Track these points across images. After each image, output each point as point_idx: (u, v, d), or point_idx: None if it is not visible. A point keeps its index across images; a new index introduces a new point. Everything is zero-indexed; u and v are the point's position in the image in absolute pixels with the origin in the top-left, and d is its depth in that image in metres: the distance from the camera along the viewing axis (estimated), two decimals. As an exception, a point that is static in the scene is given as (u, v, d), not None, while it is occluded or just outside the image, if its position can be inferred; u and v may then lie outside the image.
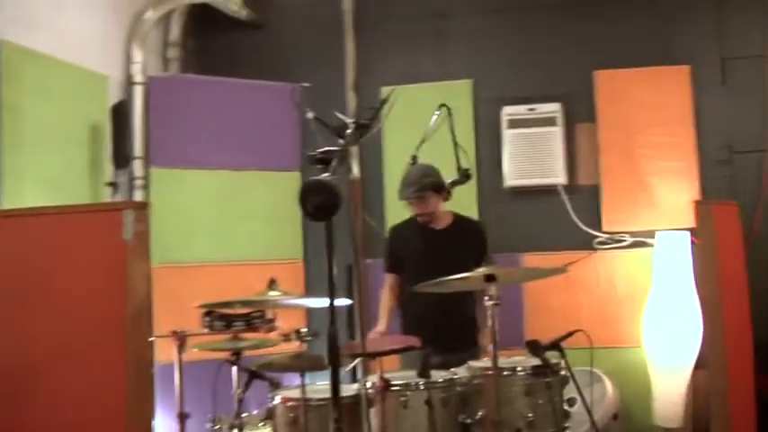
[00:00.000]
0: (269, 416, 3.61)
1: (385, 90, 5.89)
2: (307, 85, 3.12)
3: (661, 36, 5.74)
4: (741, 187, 5.56)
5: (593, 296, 5.62)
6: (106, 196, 5.22)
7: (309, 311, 5.71)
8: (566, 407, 3.69)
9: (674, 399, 5.25)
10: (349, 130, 2.72)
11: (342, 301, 3.29)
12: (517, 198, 5.82)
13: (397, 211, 4.88)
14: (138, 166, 5.60)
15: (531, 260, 5.65)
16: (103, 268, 3.40)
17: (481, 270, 3.43)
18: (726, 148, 5.63)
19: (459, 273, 3.55)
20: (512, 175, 5.74)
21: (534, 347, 3.51)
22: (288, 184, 5.78)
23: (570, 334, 3.53)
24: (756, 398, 4.87)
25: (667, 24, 5.75)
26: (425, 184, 4.27)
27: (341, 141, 2.63)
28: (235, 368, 3.82)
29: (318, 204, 2.27)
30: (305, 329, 3.72)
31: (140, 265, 3.31)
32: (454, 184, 4.32)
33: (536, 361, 3.59)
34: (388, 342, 3.73)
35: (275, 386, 3.64)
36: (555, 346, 3.55)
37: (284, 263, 5.80)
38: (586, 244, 5.64)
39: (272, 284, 3.74)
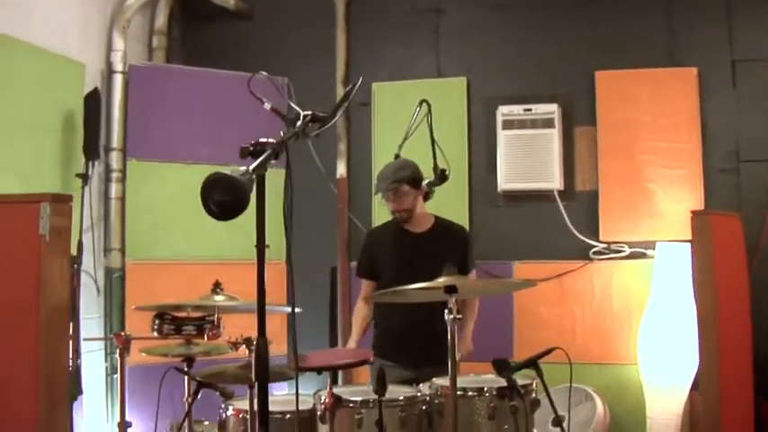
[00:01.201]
0: (221, 427, 3.41)
1: (375, 86, 5.70)
2: (263, 74, 2.88)
3: (667, 36, 5.43)
4: (748, 198, 5.23)
5: (587, 309, 5.36)
6: (77, 188, 4.99)
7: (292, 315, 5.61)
8: (550, 426, 3.40)
9: (670, 421, 4.94)
10: (299, 122, 2.52)
11: (291, 309, 2.91)
12: (511, 203, 5.57)
13: (385, 213, 4.62)
14: (115, 158, 5.41)
15: (523, 269, 5.43)
16: (17, 265, 3.09)
17: (440, 280, 3.19)
18: (733, 155, 5.31)
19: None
20: (506, 178, 5.48)
21: (500, 367, 3.23)
22: (273, 181, 5.55)
23: (548, 352, 3.31)
24: (755, 425, 4.54)
25: (674, 24, 5.43)
26: (400, 177, 4.05)
27: (283, 134, 2.45)
28: (184, 375, 3.62)
29: (221, 202, 2.12)
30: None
31: (58, 262, 2.99)
32: (430, 185, 4.12)
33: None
34: (340, 355, 3.54)
35: (227, 396, 3.44)
36: (530, 364, 3.31)
37: (270, 263, 5.59)
38: (582, 253, 5.37)
39: (216, 288, 3.53)
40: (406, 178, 4.05)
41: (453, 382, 3.11)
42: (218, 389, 3.40)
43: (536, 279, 4.94)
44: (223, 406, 3.40)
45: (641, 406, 5.02)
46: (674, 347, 4.89)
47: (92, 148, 5.05)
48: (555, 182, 5.40)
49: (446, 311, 3.11)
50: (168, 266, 5.37)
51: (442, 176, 4.10)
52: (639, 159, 5.34)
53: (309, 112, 2.59)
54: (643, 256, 5.26)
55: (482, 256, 4.96)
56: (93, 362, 5.14)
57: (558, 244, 5.41)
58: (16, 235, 3.08)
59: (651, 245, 5.19)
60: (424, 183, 4.10)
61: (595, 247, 5.37)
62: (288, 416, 3.25)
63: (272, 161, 2.33)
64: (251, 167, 2.23)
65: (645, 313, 5.09)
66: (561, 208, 5.41)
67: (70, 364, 4.22)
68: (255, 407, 3.06)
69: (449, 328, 3.09)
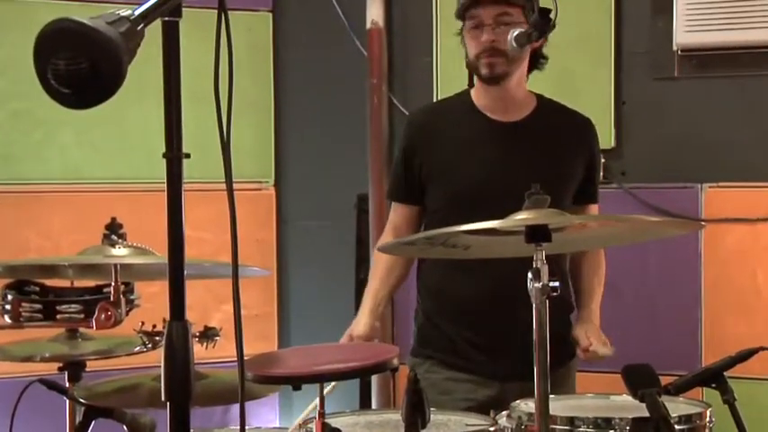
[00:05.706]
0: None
1: None
2: None
3: None
4: None
5: None
6: None
7: (283, 282, 4.15)
8: None
9: None
10: None
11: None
12: (697, 71, 3.76)
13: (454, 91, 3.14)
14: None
15: (721, 198, 3.71)
16: None
17: (518, 218, 2.08)
18: None
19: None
20: (687, 24, 3.71)
21: (638, 380, 2.05)
22: (251, 36, 3.99)
23: (745, 356, 2.33)
24: None
25: None
26: None
27: None
28: (61, 395, 2.60)
29: (67, 72, 1.19)
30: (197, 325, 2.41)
31: None
32: (521, 39, 2.74)
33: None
34: (338, 355, 2.33)
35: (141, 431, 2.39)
36: (707, 378, 2.33)
37: (244, 188, 4.04)
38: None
39: (112, 232, 2.38)
40: None
41: (543, 409, 2.10)
42: (124, 419, 2.36)
43: (748, 217, 3.51)
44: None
45: None
46: None
47: None
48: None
49: (529, 276, 2.08)
50: (51, 196, 3.87)
51: (541, 23, 2.78)
52: None
53: None
54: None
55: (638, 173, 3.61)
56: None
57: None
58: None
59: None
60: (513, 34, 2.79)
61: None
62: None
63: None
64: (137, 11, 1.32)
65: None
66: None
67: None
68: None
69: (534, 306, 2.07)
